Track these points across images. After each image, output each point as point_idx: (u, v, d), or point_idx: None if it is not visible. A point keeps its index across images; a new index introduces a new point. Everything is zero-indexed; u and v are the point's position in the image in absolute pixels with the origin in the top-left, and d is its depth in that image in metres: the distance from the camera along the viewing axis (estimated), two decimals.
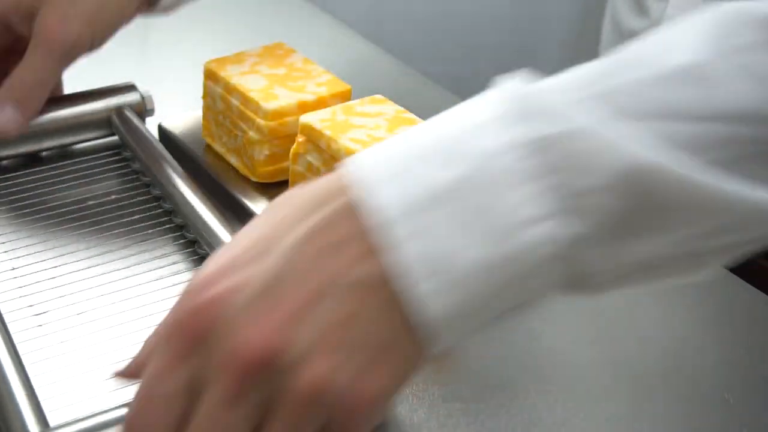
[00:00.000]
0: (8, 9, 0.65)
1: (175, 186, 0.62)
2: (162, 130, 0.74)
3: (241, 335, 0.37)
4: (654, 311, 0.59)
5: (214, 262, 0.39)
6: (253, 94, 0.65)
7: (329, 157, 0.60)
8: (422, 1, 1.61)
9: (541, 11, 1.66)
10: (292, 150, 0.62)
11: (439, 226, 0.38)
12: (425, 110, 0.63)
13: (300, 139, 0.62)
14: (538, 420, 0.50)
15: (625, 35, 0.91)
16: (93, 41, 0.66)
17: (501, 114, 0.39)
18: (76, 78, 0.85)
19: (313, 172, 0.61)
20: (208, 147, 0.71)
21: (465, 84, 1.65)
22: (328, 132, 0.60)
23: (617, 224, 0.39)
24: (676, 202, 0.40)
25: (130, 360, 0.41)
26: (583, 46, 1.49)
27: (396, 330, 0.38)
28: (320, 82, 0.68)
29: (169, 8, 0.72)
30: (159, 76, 0.85)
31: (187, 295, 0.39)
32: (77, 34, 0.65)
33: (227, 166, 0.69)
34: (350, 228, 0.38)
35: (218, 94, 0.68)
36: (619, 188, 0.38)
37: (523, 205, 0.38)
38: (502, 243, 0.38)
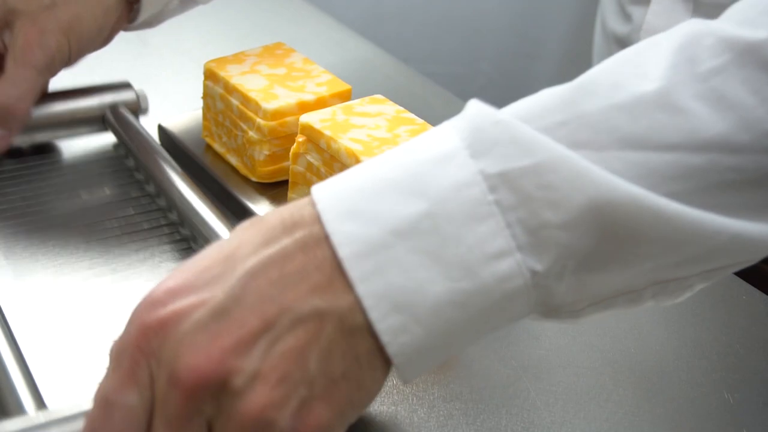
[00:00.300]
0: None
1: (170, 183, 0.63)
2: (162, 130, 0.74)
3: (187, 358, 0.37)
4: (654, 311, 0.59)
5: (169, 280, 0.39)
6: (253, 94, 0.65)
7: (329, 157, 0.60)
8: (422, 1, 1.61)
9: (540, 12, 1.66)
10: (292, 150, 0.62)
11: (403, 261, 0.37)
12: (425, 110, 0.63)
13: (300, 138, 0.62)
14: (538, 420, 0.50)
15: (611, 40, 0.92)
16: (71, 53, 0.66)
17: (465, 146, 0.39)
18: (76, 78, 0.85)
19: (313, 171, 0.61)
20: (208, 147, 0.71)
21: (465, 84, 1.65)
22: (328, 132, 0.60)
23: (584, 258, 0.39)
24: (642, 234, 0.39)
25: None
26: (580, 47, 1.49)
27: (349, 363, 0.38)
28: (320, 82, 0.68)
29: (149, 24, 0.72)
30: (159, 76, 0.85)
31: (138, 311, 0.39)
32: (56, 47, 0.64)
33: (227, 166, 0.69)
34: (307, 261, 0.38)
35: (218, 94, 0.68)
36: (585, 222, 0.38)
37: (488, 239, 0.38)
38: (467, 278, 0.38)
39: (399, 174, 0.39)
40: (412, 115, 0.63)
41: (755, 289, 0.61)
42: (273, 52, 0.72)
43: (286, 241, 0.39)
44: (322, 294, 0.38)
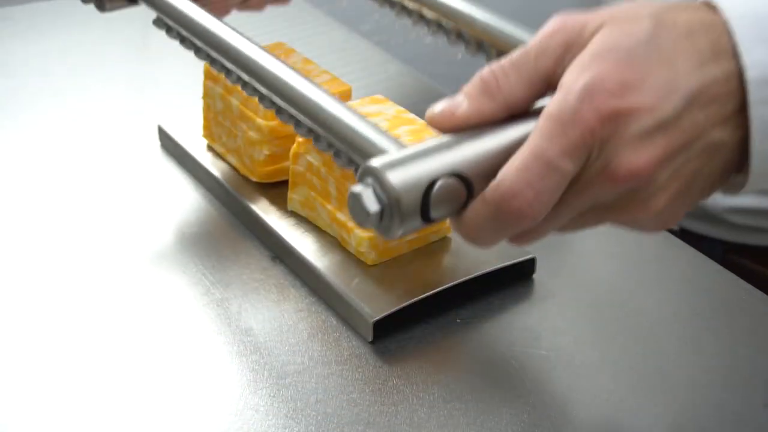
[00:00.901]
0: None
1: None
2: (162, 131, 0.74)
3: (629, 159, 0.42)
4: (654, 311, 0.59)
5: (616, 69, 0.42)
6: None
7: (329, 157, 0.59)
8: None
9: (541, 11, 1.66)
10: (292, 150, 0.62)
11: None
12: (425, 110, 0.63)
13: (300, 138, 0.61)
14: (538, 420, 0.50)
15: None
16: None
17: None
18: (76, 77, 0.85)
19: (313, 171, 0.61)
20: (209, 147, 0.71)
21: (465, 84, 1.64)
22: None
23: None
24: None
25: (457, 117, 0.45)
26: None
27: (714, 185, 0.45)
28: (320, 82, 0.67)
29: None
30: (159, 76, 0.85)
31: (595, 93, 0.42)
32: None
33: (227, 166, 0.69)
34: (727, 90, 0.43)
35: (218, 94, 0.68)
36: None
37: None
38: None
39: None
40: (412, 115, 0.62)
41: (755, 289, 0.61)
42: (273, 52, 0.71)
43: (716, 70, 0.43)
44: (727, 123, 0.43)
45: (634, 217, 0.44)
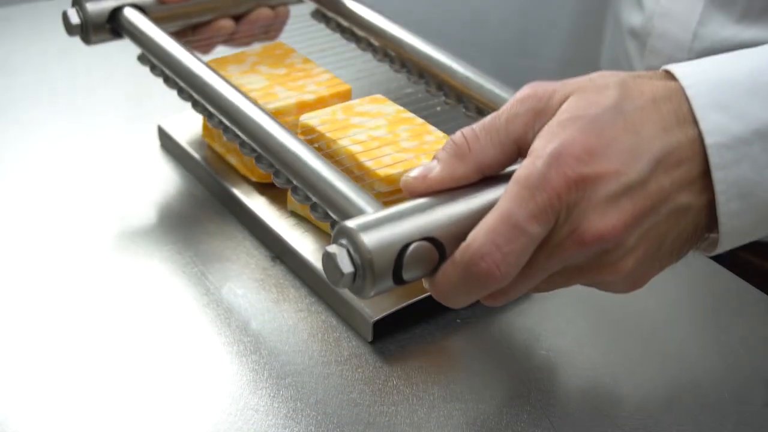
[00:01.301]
0: None
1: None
2: (161, 131, 0.74)
3: (595, 222, 0.43)
4: (654, 311, 0.59)
5: (582, 138, 0.43)
6: (253, 94, 0.65)
7: (329, 158, 0.59)
8: (422, 1, 1.60)
9: (541, 10, 1.66)
10: None
11: (758, 158, 0.44)
12: (425, 110, 0.63)
13: (299, 135, 0.61)
14: (537, 420, 0.50)
15: (625, 33, 0.91)
16: None
17: None
18: (76, 77, 0.85)
19: None
20: (208, 147, 0.71)
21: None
22: (328, 133, 0.60)
23: None
24: None
25: (430, 180, 0.45)
26: (582, 45, 1.48)
27: (686, 247, 0.46)
28: (320, 82, 0.67)
29: None
30: None
31: (561, 160, 0.43)
32: None
33: (227, 166, 0.69)
34: (690, 154, 0.44)
35: None
36: None
37: None
38: None
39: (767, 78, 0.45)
40: (412, 115, 0.62)
41: (755, 289, 0.61)
42: (273, 52, 0.71)
43: (679, 134, 0.44)
44: (691, 187, 0.45)
45: (603, 278, 0.45)
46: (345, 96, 0.67)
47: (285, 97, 0.65)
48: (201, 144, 0.71)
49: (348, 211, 0.47)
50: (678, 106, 0.45)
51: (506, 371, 0.54)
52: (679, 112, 0.45)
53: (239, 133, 0.57)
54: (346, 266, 0.43)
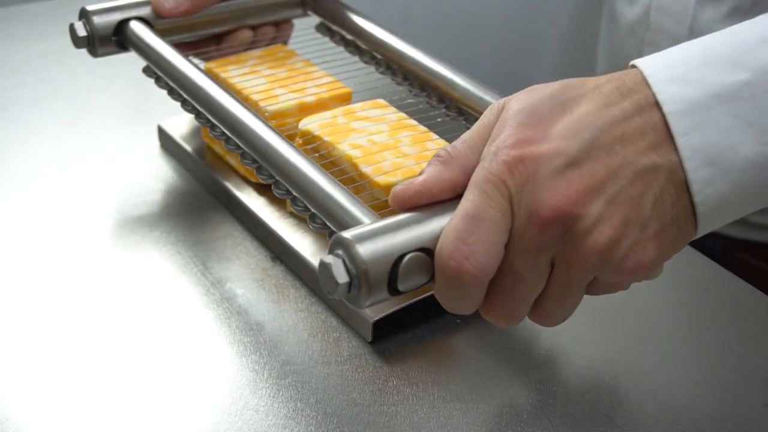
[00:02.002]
0: None
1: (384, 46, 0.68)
2: (161, 131, 0.74)
3: (547, 199, 0.43)
4: (654, 311, 0.59)
5: (516, 131, 0.45)
6: (254, 96, 0.65)
7: (329, 163, 0.59)
8: (422, 1, 1.60)
9: (539, 10, 1.66)
10: None
11: (720, 122, 0.44)
12: (424, 111, 0.63)
13: (299, 140, 0.61)
14: (537, 420, 0.50)
15: (620, 28, 0.91)
16: None
17: None
18: (76, 78, 0.85)
19: None
20: (208, 147, 0.71)
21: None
22: (327, 138, 0.59)
23: None
24: None
25: (416, 185, 0.46)
26: (581, 44, 1.49)
27: (677, 211, 0.44)
28: (321, 84, 0.67)
29: None
30: None
31: (496, 153, 0.44)
32: None
33: (227, 167, 0.69)
34: (644, 122, 0.44)
35: None
36: None
37: None
38: None
39: (723, 50, 0.45)
40: (414, 122, 0.62)
41: (755, 289, 0.61)
42: (274, 54, 0.71)
43: (624, 104, 0.45)
44: (657, 150, 0.44)
45: (591, 262, 0.44)
46: (345, 99, 0.67)
47: (285, 99, 0.65)
48: (201, 144, 0.71)
49: (345, 221, 0.48)
50: (622, 82, 0.45)
51: (506, 371, 0.54)
52: (623, 86, 0.45)
53: (241, 144, 0.58)
54: (342, 276, 0.43)
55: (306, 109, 0.65)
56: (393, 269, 0.44)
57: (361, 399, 0.51)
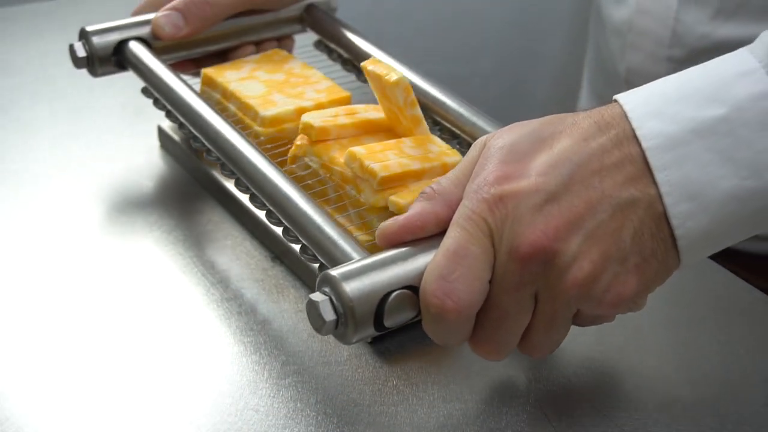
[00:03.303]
0: None
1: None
2: (161, 131, 0.74)
3: (527, 235, 0.44)
4: (653, 311, 0.59)
5: (496, 168, 0.46)
6: (251, 101, 0.65)
7: (328, 158, 0.59)
8: (422, 1, 1.60)
9: (540, 10, 1.66)
10: (291, 151, 0.62)
11: (699, 157, 0.44)
12: (424, 111, 0.63)
13: (299, 141, 0.61)
14: (537, 421, 0.50)
15: (607, 28, 0.91)
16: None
17: (762, 65, 0.45)
18: (76, 78, 0.85)
19: (311, 174, 0.61)
20: None
21: (464, 83, 1.64)
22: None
23: None
24: None
25: (401, 220, 0.47)
26: (581, 45, 1.49)
27: (657, 244, 0.45)
28: (319, 89, 0.67)
29: None
30: None
31: (475, 191, 0.46)
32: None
33: None
34: (622, 156, 0.45)
35: (216, 101, 0.68)
36: None
37: None
38: (753, 177, 0.44)
39: (701, 84, 0.46)
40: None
41: (755, 289, 0.61)
42: (271, 58, 0.71)
43: (602, 139, 0.45)
44: (635, 184, 0.44)
45: (573, 296, 0.45)
46: (344, 103, 0.66)
47: (283, 104, 0.65)
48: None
49: (335, 255, 0.49)
50: (601, 117, 0.46)
51: (506, 371, 0.54)
52: (602, 120, 0.46)
53: (235, 171, 0.59)
54: (329, 314, 0.45)
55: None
56: (379, 307, 0.45)
57: (361, 399, 0.51)
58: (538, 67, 1.70)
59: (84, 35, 0.71)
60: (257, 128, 0.64)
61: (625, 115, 0.46)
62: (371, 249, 0.57)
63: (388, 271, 0.45)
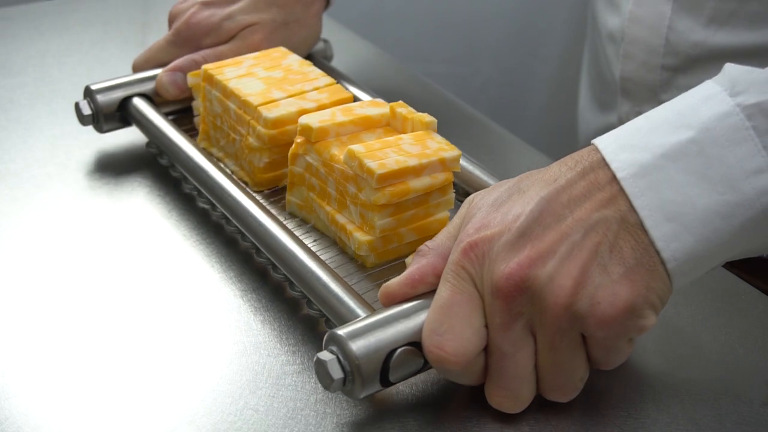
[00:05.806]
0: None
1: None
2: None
3: (501, 269, 0.45)
4: None
5: (481, 211, 0.48)
6: (252, 99, 0.64)
7: (328, 158, 0.59)
8: (422, 1, 1.60)
9: (540, 11, 1.66)
10: (290, 150, 0.62)
11: (674, 179, 0.45)
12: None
13: (299, 139, 0.61)
14: (537, 421, 0.50)
15: (602, 35, 0.91)
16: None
17: (724, 89, 0.46)
18: (76, 78, 0.85)
19: (312, 172, 0.61)
20: (206, 150, 0.70)
21: (465, 84, 1.64)
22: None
23: None
24: None
25: (402, 278, 0.49)
26: (580, 46, 1.49)
27: (640, 253, 0.45)
28: (319, 87, 0.67)
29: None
30: None
31: (461, 239, 0.48)
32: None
33: (226, 168, 0.68)
34: (590, 184, 0.46)
35: (215, 98, 0.68)
36: None
37: (747, 158, 0.45)
38: (731, 191, 0.45)
39: (668, 115, 0.47)
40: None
41: (755, 289, 0.61)
42: (269, 54, 0.71)
43: (569, 174, 0.47)
44: (607, 206, 0.45)
45: (563, 316, 0.45)
46: (346, 103, 0.66)
47: (285, 104, 0.64)
48: (200, 145, 0.71)
49: (340, 312, 0.51)
50: (571, 158, 0.48)
51: None
52: (570, 162, 0.48)
53: (240, 227, 0.60)
54: (336, 372, 0.47)
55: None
56: (385, 363, 0.47)
57: (360, 399, 0.51)
58: (538, 67, 1.70)
59: (89, 93, 0.73)
60: (260, 129, 0.64)
61: (597, 151, 0.47)
62: (372, 249, 0.58)
63: (392, 328, 0.47)
